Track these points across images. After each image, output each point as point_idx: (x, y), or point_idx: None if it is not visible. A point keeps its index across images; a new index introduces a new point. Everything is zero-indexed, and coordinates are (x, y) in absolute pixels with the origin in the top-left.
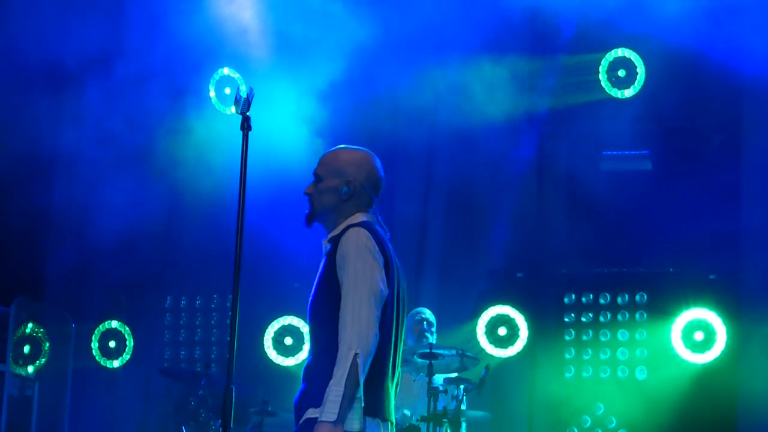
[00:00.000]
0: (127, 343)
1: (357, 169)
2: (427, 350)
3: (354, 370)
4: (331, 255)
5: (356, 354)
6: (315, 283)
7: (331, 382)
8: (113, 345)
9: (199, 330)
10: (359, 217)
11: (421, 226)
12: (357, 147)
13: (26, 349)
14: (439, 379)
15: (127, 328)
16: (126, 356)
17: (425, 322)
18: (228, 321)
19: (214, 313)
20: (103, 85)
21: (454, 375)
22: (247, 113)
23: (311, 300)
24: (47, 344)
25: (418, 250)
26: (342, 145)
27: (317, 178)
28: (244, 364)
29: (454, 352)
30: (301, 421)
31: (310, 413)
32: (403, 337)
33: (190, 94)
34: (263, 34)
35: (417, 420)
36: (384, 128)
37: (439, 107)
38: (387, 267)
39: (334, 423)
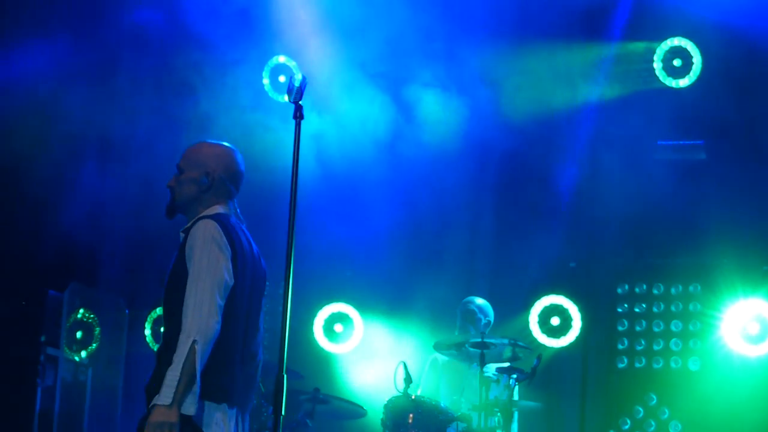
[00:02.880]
0: None
1: (216, 161)
2: (479, 340)
3: (191, 357)
4: (182, 247)
5: (194, 341)
6: (167, 271)
7: (169, 367)
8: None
9: None
10: (215, 209)
11: (473, 216)
12: (219, 142)
13: (79, 334)
14: (491, 368)
15: None
16: None
17: (477, 311)
18: (280, 308)
19: (265, 299)
20: (156, 74)
21: (506, 365)
22: (300, 102)
23: (164, 288)
24: (98, 330)
25: (471, 241)
26: (206, 140)
27: (179, 170)
28: (295, 351)
29: (506, 341)
30: (149, 406)
31: (156, 399)
32: (258, 324)
33: (244, 81)
34: (318, 22)
35: (469, 409)
36: (437, 118)
37: (490, 96)
38: (234, 258)
39: (169, 406)
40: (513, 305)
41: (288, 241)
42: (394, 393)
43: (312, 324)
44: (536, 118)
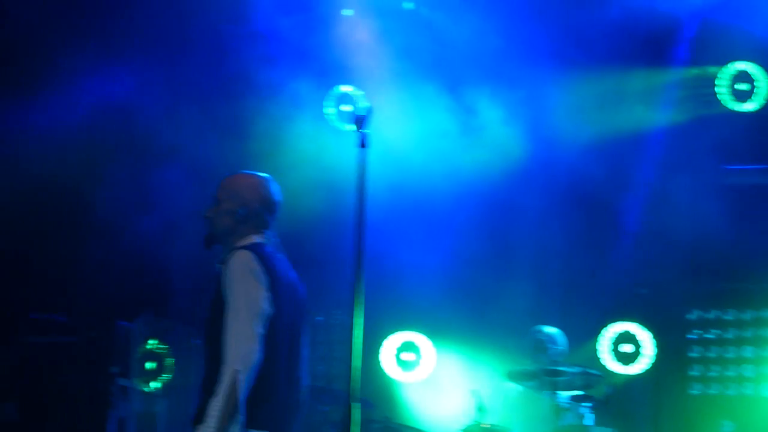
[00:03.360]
0: None
1: (252, 193)
2: (551, 368)
3: (234, 387)
4: (219, 277)
5: (236, 371)
6: (207, 304)
7: (213, 398)
8: None
9: (321, 346)
10: (251, 239)
11: (541, 243)
12: (255, 173)
13: (150, 365)
14: (563, 396)
15: None
16: None
17: (547, 340)
18: (350, 337)
19: (337, 329)
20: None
21: (578, 392)
22: (365, 130)
23: (204, 320)
24: (171, 360)
25: (541, 267)
26: (243, 171)
27: (216, 201)
28: (365, 379)
29: (578, 369)
30: None
31: (198, 430)
32: (300, 350)
33: (310, 111)
34: (383, 52)
35: None
36: (503, 142)
37: (557, 121)
38: (272, 286)
39: None
40: (584, 332)
41: (356, 269)
42: (467, 422)
43: (382, 353)
44: (602, 143)
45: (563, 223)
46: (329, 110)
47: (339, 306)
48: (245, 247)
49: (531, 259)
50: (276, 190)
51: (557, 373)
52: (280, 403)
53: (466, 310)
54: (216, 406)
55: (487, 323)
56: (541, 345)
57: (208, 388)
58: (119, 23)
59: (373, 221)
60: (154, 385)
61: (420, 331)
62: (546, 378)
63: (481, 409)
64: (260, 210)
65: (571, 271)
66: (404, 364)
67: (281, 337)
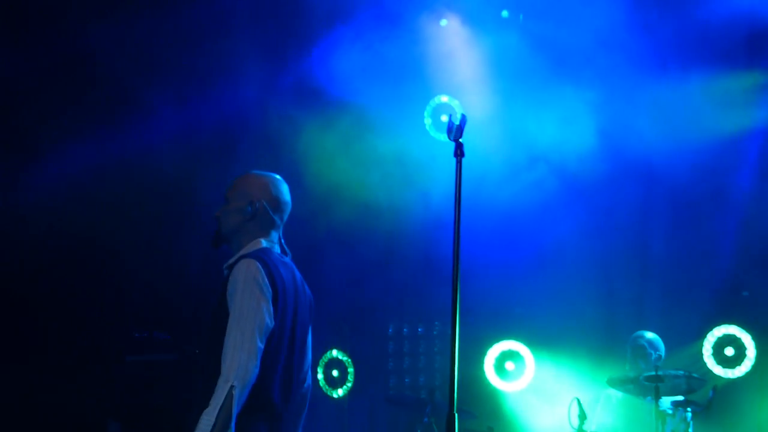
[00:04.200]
0: (349, 371)
1: (260, 191)
2: (653, 373)
3: (228, 402)
4: (225, 284)
5: (232, 386)
6: (211, 309)
7: (205, 410)
8: (336, 374)
9: (422, 357)
10: (258, 244)
11: (642, 246)
12: (266, 172)
13: None
14: (666, 402)
15: (348, 357)
16: (348, 384)
17: (647, 345)
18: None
19: (437, 340)
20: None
21: (681, 398)
22: (460, 140)
23: (206, 326)
24: None
25: (641, 271)
26: (253, 171)
27: (226, 200)
28: (467, 390)
29: (680, 373)
30: None
31: None
32: (300, 371)
33: (407, 122)
34: (479, 61)
35: None
36: (599, 147)
37: (659, 124)
38: (275, 298)
39: None
40: (685, 336)
41: (453, 280)
42: (569, 430)
43: (483, 363)
44: (703, 144)
45: (663, 227)
46: (427, 121)
47: (439, 317)
48: (252, 256)
49: (631, 263)
50: (285, 190)
51: (659, 379)
52: (273, 414)
53: (566, 317)
54: (207, 420)
55: (588, 330)
56: (642, 351)
57: (202, 400)
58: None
59: (473, 231)
60: None
61: (520, 340)
62: (648, 383)
63: (582, 416)
64: (268, 209)
65: (671, 276)
66: (505, 374)
67: (280, 349)
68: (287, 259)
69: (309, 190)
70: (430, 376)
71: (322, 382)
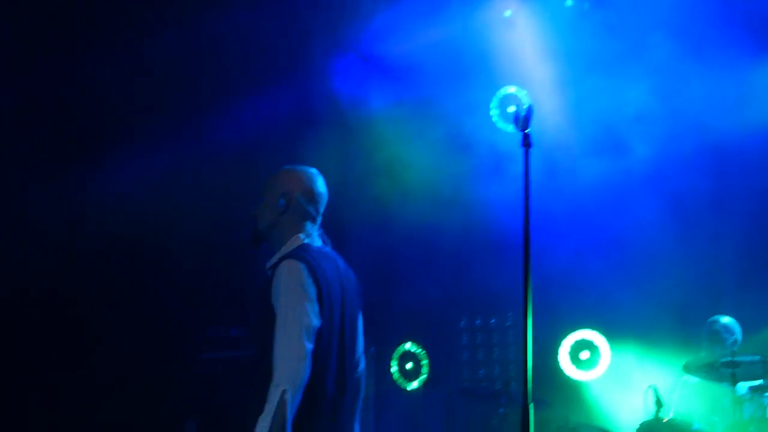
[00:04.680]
0: (423, 364)
1: (293, 184)
2: (729, 359)
3: (281, 406)
4: (268, 285)
5: (284, 391)
6: (255, 310)
7: (260, 416)
8: (410, 367)
9: (496, 348)
10: (297, 241)
11: (717, 231)
12: (300, 166)
13: None
14: (743, 386)
15: (422, 350)
16: (423, 377)
17: (723, 330)
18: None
19: (510, 331)
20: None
21: (758, 382)
22: (528, 130)
23: (252, 329)
24: None
25: (716, 256)
26: (286, 166)
27: (261, 197)
28: (542, 380)
29: (757, 358)
30: None
31: None
32: (353, 358)
33: (476, 112)
34: (545, 50)
35: (723, 430)
36: (671, 132)
37: (731, 108)
38: (320, 297)
39: None
40: (762, 320)
41: (524, 270)
42: (646, 417)
43: (558, 352)
44: None
45: (738, 211)
46: (494, 112)
47: (512, 308)
48: (293, 255)
49: (706, 248)
50: (319, 182)
51: (735, 364)
52: (336, 409)
53: (641, 304)
54: (263, 425)
55: (663, 316)
56: (718, 336)
57: (253, 402)
58: None
59: (546, 220)
60: None
61: (595, 329)
62: (724, 369)
63: (659, 403)
64: (302, 201)
65: (747, 260)
66: (581, 363)
67: (331, 345)
68: (328, 250)
69: (380, 183)
70: (505, 367)
71: (396, 375)
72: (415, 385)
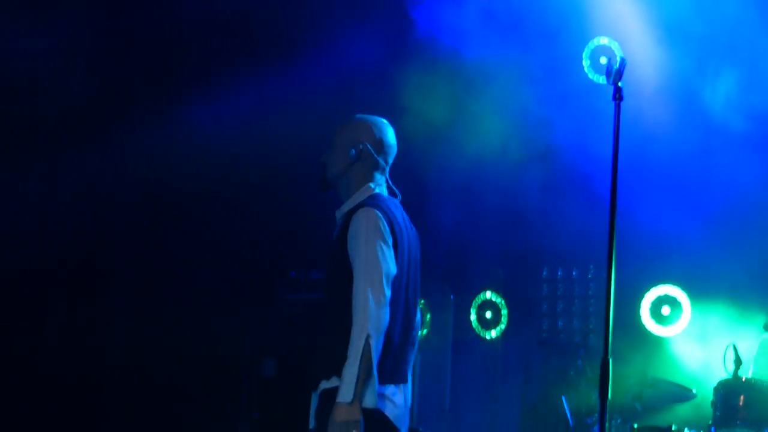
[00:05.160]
0: (503, 313)
1: (364, 134)
2: None
3: (367, 352)
4: (343, 232)
5: (368, 335)
6: (327, 257)
7: (346, 363)
8: (489, 316)
9: (576, 301)
10: (369, 190)
11: None
12: (371, 116)
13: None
14: None
15: (502, 299)
16: (502, 326)
17: None
18: (604, 292)
19: (591, 283)
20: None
21: None
22: (619, 84)
23: (326, 274)
24: (428, 315)
25: None
26: (358, 115)
27: (331, 144)
28: (621, 334)
29: None
30: (317, 391)
31: (323, 385)
32: (416, 310)
33: (565, 63)
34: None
35: None
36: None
37: None
38: (395, 245)
39: (351, 403)
40: None
41: (610, 223)
42: (724, 375)
43: (639, 307)
44: None
45: None
46: (585, 63)
47: (594, 260)
48: (369, 204)
49: None
50: (390, 133)
51: None
52: (400, 356)
53: (724, 262)
54: (350, 373)
55: (745, 274)
56: None
57: (329, 344)
58: None
59: (632, 174)
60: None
61: (677, 285)
62: None
63: (738, 362)
64: (372, 151)
65: None
66: (661, 318)
67: (402, 293)
68: (396, 201)
69: (465, 131)
70: (584, 319)
71: (474, 323)
72: (493, 334)
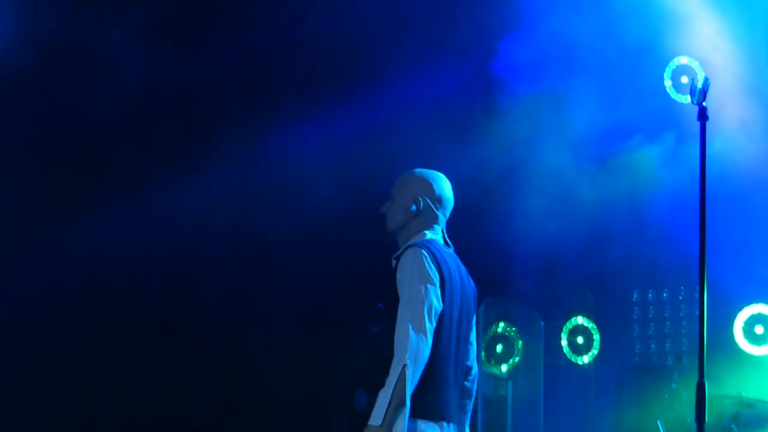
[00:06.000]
0: (594, 338)
1: (424, 189)
2: None
3: (401, 380)
4: (394, 271)
5: (405, 365)
6: (383, 295)
7: (381, 389)
8: (581, 341)
9: (668, 323)
10: (423, 236)
11: None
12: (429, 170)
13: (498, 348)
14: None
15: (593, 324)
16: (594, 351)
17: None
18: (697, 313)
19: (683, 305)
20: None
21: None
22: (704, 103)
23: (383, 312)
24: (520, 342)
25: None
26: (416, 169)
27: (391, 198)
28: (715, 354)
29: None
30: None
31: (369, 420)
32: (469, 343)
33: (647, 83)
34: (720, 24)
35: None
36: None
37: None
38: (442, 284)
39: (380, 426)
40: None
41: (700, 245)
42: None
43: (732, 327)
44: None
45: None
46: (667, 83)
47: (684, 282)
48: (417, 244)
49: None
50: (447, 187)
51: None
52: (449, 394)
53: None
54: (383, 399)
55: None
56: None
57: (381, 379)
58: None
59: (718, 194)
60: (503, 367)
61: None
62: None
63: None
64: (431, 205)
65: None
66: (755, 338)
67: (449, 332)
68: (451, 251)
69: (554, 156)
70: (677, 341)
71: (566, 349)
72: (586, 359)
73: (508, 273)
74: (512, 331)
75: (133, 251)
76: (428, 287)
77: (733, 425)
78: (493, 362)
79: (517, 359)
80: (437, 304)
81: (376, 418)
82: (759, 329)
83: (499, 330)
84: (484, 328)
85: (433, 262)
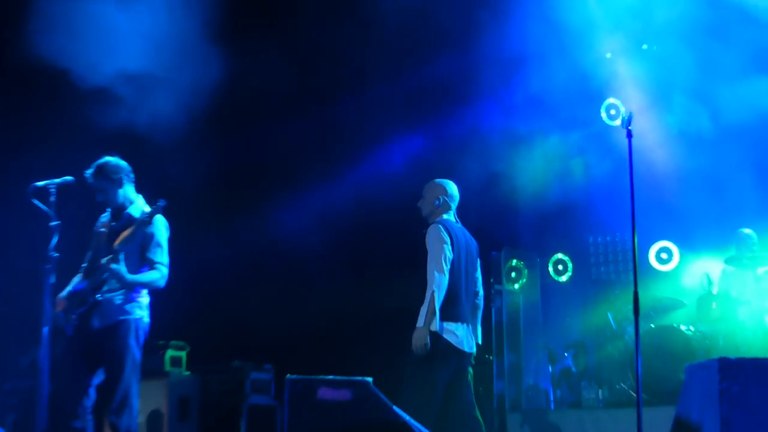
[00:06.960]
0: (569, 266)
1: (443, 190)
2: None
3: (432, 300)
4: (425, 238)
5: (433, 291)
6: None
7: (422, 306)
8: (561, 268)
9: (611, 255)
10: (441, 217)
11: None
12: (443, 179)
13: (513, 274)
14: None
15: (568, 257)
16: (569, 274)
17: None
18: (629, 247)
19: (619, 243)
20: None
21: None
22: (630, 128)
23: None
24: (525, 271)
25: None
26: (436, 179)
27: (422, 197)
28: (639, 272)
29: None
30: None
31: (417, 324)
32: (474, 277)
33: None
34: (635, 78)
35: None
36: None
37: None
38: (451, 242)
39: (422, 327)
40: None
41: (631, 208)
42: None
43: (648, 254)
44: None
45: None
46: (603, 114)
47: (619, 229)
48: (436, 222)
49: None
50: (455, 188)
51: None
52: (460, 305)
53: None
54: (423, 310)
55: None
56: None
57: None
58: None
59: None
60: (516, 286)
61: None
62: None
63: (710, 283)
64: (447, 200)
65: None
66: (662, 261)
67: (458, 270)
68: (459, 225)
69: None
70: (617, 266)
71: (552, 274)
72: (564, 279)
73: (516, 229)
74: (521, 264)
75: (225, 269)
76: (443, 245)
77: (651, 312)
78: (510, 283)
79: (524, 281)
80: (449, 253)
81: (419, 321)
82: (664, 255)
83: (513, 264)
84: (504, 263)
85: (444, 231)
